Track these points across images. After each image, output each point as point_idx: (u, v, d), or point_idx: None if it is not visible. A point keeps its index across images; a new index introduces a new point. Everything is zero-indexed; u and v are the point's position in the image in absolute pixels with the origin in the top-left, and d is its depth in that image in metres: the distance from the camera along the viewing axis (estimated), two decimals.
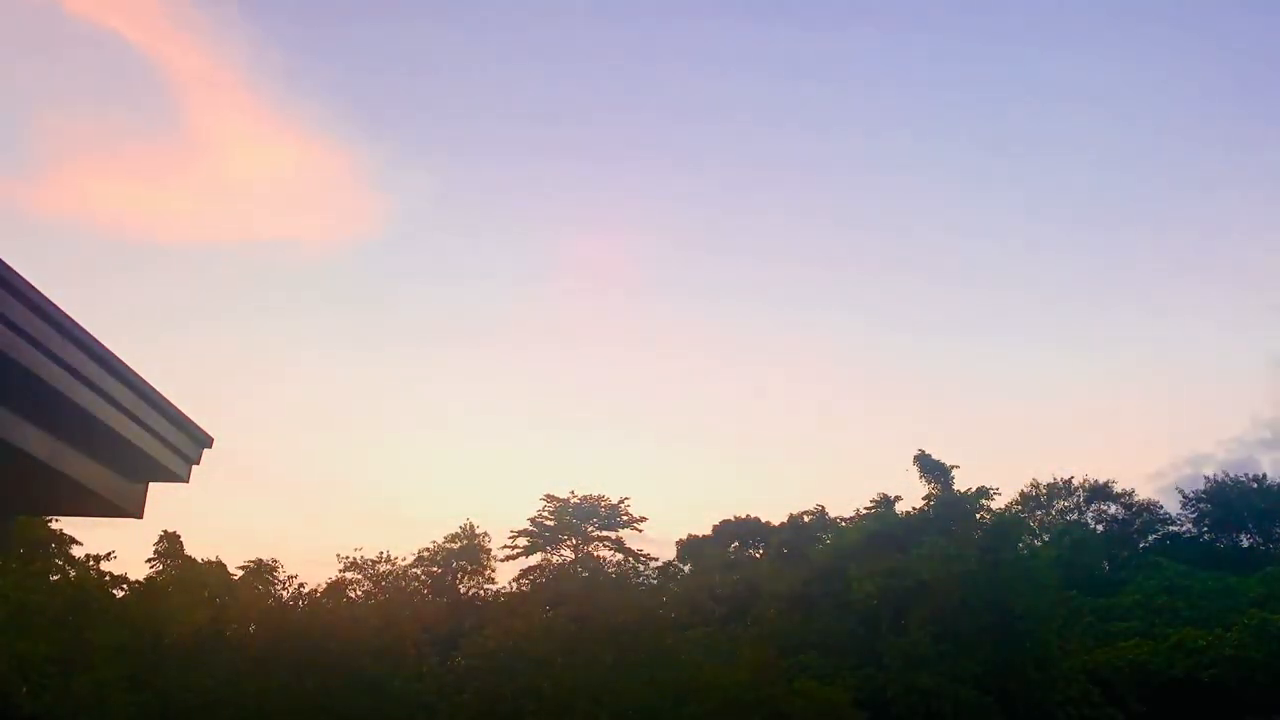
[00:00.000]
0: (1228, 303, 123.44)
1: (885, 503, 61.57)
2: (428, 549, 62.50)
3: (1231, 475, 79.57)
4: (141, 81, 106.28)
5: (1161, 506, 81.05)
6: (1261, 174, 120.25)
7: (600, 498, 67.51)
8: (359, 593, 52.94)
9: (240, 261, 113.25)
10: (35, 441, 5.48)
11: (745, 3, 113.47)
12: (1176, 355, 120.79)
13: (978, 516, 56.17)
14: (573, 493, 67.33)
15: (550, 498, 67.08)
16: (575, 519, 66.82)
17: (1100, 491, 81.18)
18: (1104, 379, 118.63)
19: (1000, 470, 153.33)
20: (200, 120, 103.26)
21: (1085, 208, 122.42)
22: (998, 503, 57.85)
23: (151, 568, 48.56)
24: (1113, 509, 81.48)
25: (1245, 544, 78.84)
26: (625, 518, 67.47)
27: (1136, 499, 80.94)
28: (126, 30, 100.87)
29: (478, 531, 64.51)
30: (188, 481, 6.78)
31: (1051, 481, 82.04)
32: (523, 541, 66.19)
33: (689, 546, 71.77)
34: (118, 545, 48.22)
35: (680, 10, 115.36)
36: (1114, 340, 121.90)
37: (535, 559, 66.29)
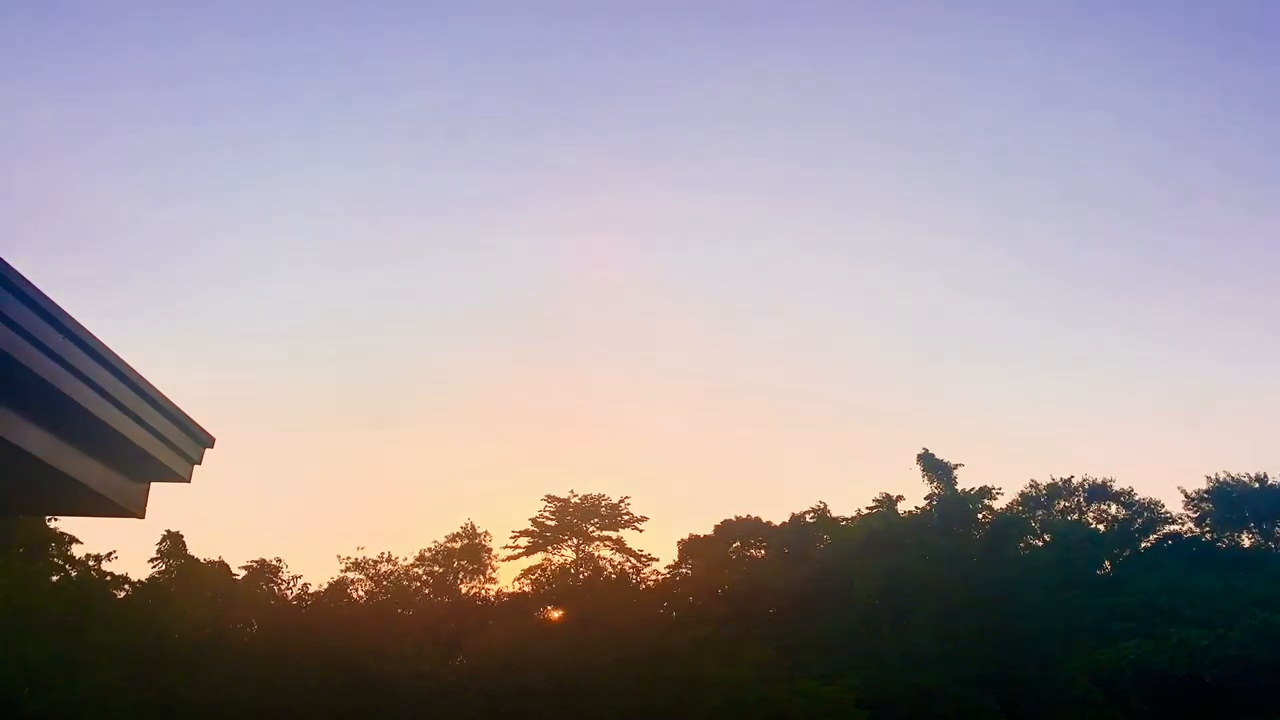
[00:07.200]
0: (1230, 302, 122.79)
1: (887, 502, 61.65)
2: (429, 549, 62.50)
3: (1233, 474, 79.52)
4: None
5: (1163, 506, 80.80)
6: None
7: (600, 497, 67.44)
8: (361, 593, 52.96)
9: None
10: (36, 441, 5.45)
11: None
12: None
13: (979, 517, 56.25)
14: (573, 492, 67.33)
15: (551, 498, 67.06)
16: (576, 519, 66.80)
17: (1101, 491, 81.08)
18: (1105, 378, 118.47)
19: (1002, 470, 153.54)
20: None
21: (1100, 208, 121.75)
22: (999, 503, 58.02)
23: (154, 568, 48.59)
24: (1114, 509, 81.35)
25: (1247, 543, 78.58)
26: (626, 517, 67.40)
27: (1137, 498, 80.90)
28: None
29: (479, 531, 64.58)
30: (189, 481, 6.77)
31: (1052, 481, 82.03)
32: (524, 541, 66.17)
33: (690, 546, 71.82)
34: (119, 545, 48.11)
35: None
36: (1114, 338, 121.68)
37: (536, 559, 66.31)
